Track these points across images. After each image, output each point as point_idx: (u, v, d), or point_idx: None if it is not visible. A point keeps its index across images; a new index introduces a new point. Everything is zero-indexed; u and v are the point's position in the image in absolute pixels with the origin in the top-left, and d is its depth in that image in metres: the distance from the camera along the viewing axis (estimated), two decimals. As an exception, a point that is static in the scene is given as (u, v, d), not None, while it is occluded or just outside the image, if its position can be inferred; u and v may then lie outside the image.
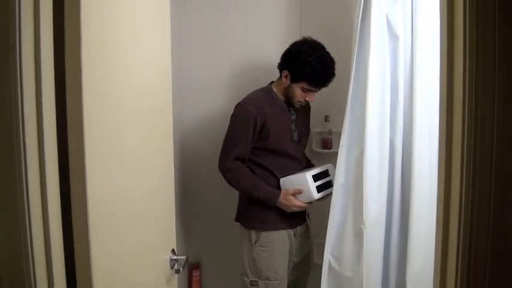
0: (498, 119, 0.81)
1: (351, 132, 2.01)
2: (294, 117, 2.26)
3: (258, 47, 2.49)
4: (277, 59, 2.58)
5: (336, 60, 2.53)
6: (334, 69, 2.12)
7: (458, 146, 0.83)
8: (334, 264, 2.03)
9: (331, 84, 2.58)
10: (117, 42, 1.16)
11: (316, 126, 2.63)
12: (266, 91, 2.25)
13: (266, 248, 2.18)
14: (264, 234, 2.19)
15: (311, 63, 2.08)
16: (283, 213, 2.18)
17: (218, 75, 2.63)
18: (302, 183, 2.15)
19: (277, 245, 2.19)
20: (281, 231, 2.20)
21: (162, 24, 1.54)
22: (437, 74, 1.85)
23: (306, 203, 2.17)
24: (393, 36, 1.96)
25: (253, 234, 2.20)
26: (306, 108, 2.35)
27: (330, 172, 2.23)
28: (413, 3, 1.93)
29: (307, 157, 2.47)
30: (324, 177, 2.20)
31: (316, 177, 2.16)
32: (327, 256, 2.04)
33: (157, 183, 1.50)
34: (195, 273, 2.70)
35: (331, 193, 2.14)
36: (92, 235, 0.97)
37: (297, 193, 2.14)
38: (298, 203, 2.15)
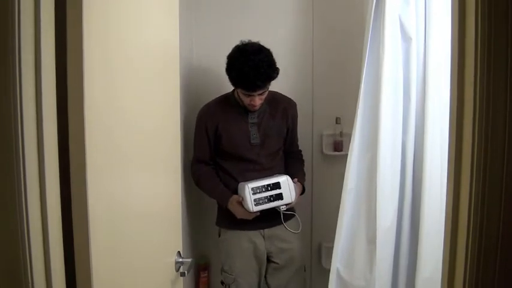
0: (510, 123, 0.78)
1: (362, 136, 1.97)
2: (255, 120, 2.24)
3: (269, 47, 2.47)
4: (287, 59, 2.55)
5: (347, 60, 2.52)
6: (262, 72, 2.05)
7: (468, 152, 0.80)
8: (343, 272, 1.97)
9: (342, 86, 2.57)
10: (122, 41, 1.15)
11: (326, 128, 2.60)
12: (225, 96, 2.33)
13: (223, 244, 2.33)
14: (222, 230, 2.34)
15: (236, 68, 2.09)
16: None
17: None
18: (242, 194, 2.14)
19: (232, 244, 2.28)
20: (237, 231, 2.27)
21: (170, 25, 1.53)
22: (449, 75, 1.84)
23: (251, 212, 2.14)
24: (406, 38, 1.92)
25: (218, 229, 2.37)
26: (281, 110, 2.31)
27: (283, 185, 2.16)
28: (426, 4, 1.88)
29: (296, 161, 2.42)
30: (272, 190, 2.15)
31: (258, 190, 2.13)
32: (335, 264, 1.98)
33: (163, 185, 1.49)
34: (203, 275, 2.70)
35: (282, 206, 2.15)
36: (92, 237, 0.96)
37: (241, 202, 2.16)
38: (240, 211, 2.17)
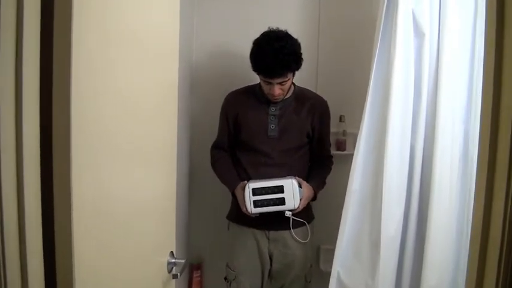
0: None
1: (369, 135, 1.87)
2: (276, 112, 2.16)
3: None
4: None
5: (353, 56, 2.43)
6: (281, 59, 1.96)
7: (504, 160, 0.70)
8: (343, 277, 1.89)
9: (347, 83, 2.48)
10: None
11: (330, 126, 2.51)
12: (252, 85, 2.26)
13: (230, 238, 2.28)
14: (231, 224, 2.29)
15: (257, 52, 2.04)
16: None
17: (232, 66, 2.53)
18: (244, 192, 2.04)
19: (237, 240, 2.23)
20: (244, 227, 2.20)
21: (170, 8, 1.43)
22: (464, 75, 1.76)
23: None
24: (419, 34, 1.83)
25: (228, 222, 2.31)
26: (307, 106, 2.20)
27: (286, 188, 2.01)
28: (441, -3, 1.79)
29: (320, 166, 2.30)
30: (274, 193, 2.02)
31: (259, 191, 2.01)
32: (336, 268, 1.89)
33: (156, 180, 1.39)
34: (196, 274, 2.61)
35: (286, 212, 2.03)
36: (76, 234, 0.86)
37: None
38: (242, 201, 2.06)
